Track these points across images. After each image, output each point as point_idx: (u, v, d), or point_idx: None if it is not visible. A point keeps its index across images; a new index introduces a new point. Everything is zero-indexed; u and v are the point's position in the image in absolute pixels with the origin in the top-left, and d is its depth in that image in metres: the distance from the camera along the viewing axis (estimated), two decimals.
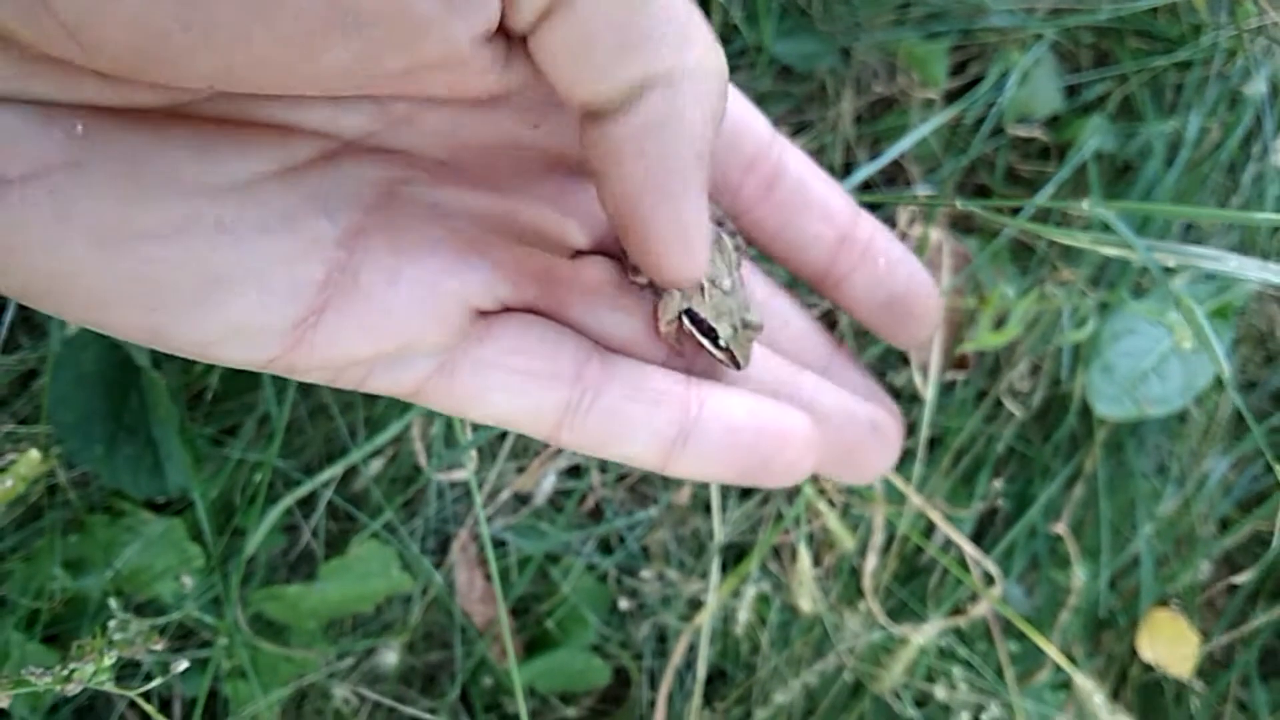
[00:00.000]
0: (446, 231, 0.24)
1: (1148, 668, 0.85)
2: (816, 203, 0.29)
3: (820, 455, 0.28)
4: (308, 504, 0.68)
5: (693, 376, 0.27)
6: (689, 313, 0.27)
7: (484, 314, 0.25)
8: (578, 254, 0.27)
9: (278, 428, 0.59)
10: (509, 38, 0.22)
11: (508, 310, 0.26)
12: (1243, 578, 0.86)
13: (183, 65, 0.18)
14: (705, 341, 0.27)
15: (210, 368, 0.62)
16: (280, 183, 0.22)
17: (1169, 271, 0.80)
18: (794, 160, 0.29)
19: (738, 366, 0.27)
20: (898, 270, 0.30)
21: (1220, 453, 0.86)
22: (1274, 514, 0.86)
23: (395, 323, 0.23)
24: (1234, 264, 0.58)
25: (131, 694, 0.39)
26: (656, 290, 0.27)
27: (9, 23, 0.17)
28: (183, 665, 0.42)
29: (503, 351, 0.25)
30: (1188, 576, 0.85)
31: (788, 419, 0.27)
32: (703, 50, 0.22)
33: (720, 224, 0.30)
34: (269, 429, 0.65)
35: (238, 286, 0.21)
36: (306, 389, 0.66)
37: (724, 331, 0.27)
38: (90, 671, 0.42)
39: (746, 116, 0.29)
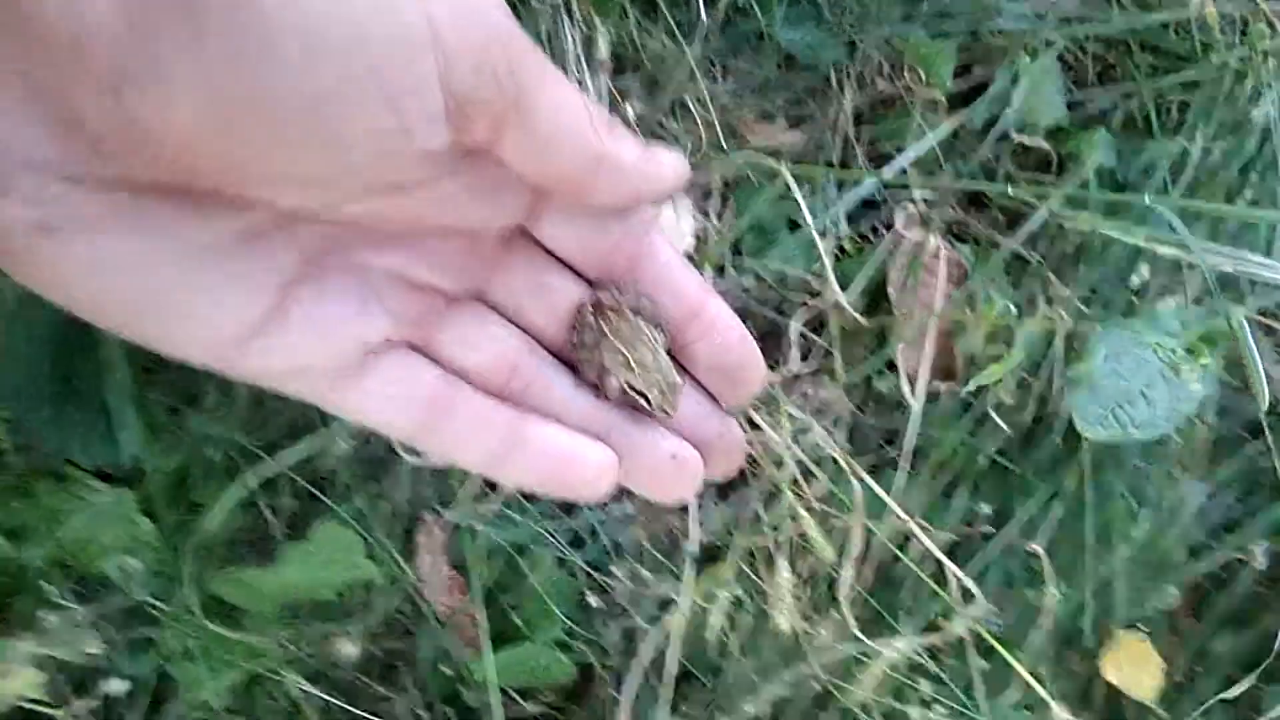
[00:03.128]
0: (358, 283, 0.32)
1: (1113, 689, 0.85)
2: (670, 283, 0.36)
3: (620, 477, 0.36)
4: (271, 480, 0.65)
5: (523, 408, 0.36)
6: (629, 384, 0.36)
7: (371, 350, 0.33)
8: (453, 300, 0.35)
9: (239, 400, 0.56)
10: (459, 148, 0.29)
11: (389, 342, 0.33)
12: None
13: (216, 173, 0.26)
14: (642, 403, 0.36)
15: None
16: (246, 242, 0.29)
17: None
18: (662, 249, 0.37)
19: (669, 415, 0.36)
20: (733, 348, 0.37)
21: (1197, 479, 0.86)
22: (1244, 543, 0.86)
23: (304, 353, 0.31)
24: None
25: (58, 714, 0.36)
26: (603, 368, 0.36)
27: (95, 126, 0.24)
28: (120, 686, 0.39)
29: (378, 381, 0.33)
30: (1157, 601, 0.85)
31: (587, 450, 0.35)
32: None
33: (638, 312, 0.37)
34: (232, 400, 0.61)
35: (203, 313, 0.29)
36: None
37: (654, 397, 0.36)
38: (16, 686, 0.39)
39: (636, 216, 0.36)
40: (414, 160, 0.28)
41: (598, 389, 0.37)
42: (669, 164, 0.33)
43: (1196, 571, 0.88)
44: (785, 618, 0.59)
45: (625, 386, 0.36)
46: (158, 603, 0.57)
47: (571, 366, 0.37)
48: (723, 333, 0.37)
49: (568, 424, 0.36)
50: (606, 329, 0.36)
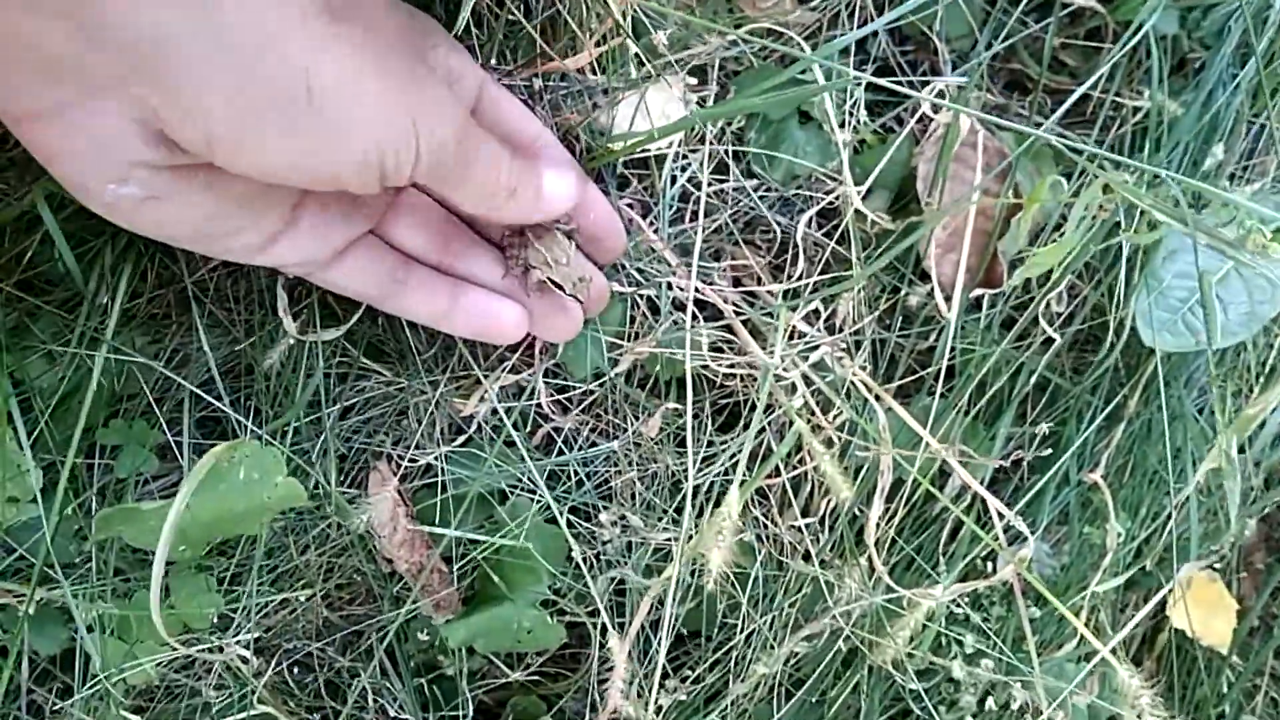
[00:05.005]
0: (345, 201, 0.44)
1: (1181, 636, 0.75)
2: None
3: (528, 326, 0.51)
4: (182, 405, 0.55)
5: (457, 278, 0.50)
6: (549, 279, 0.48)
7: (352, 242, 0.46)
8: (399, 191, 0.48)
9: (116, 300, 0.46)
10: None
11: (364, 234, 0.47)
12: None
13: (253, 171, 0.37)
14: (559, 293, 0.49)
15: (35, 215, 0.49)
16: (271, 185, 0.39)
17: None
18: (553, 149, 0.50)
19: (579, 301, 0.50)
20: (603, 224, 0.52)
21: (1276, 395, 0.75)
22: None
23: (310, 248, 0.44)
24: None
25: None
26: (526, 268, 0.49)
27: (175, 134, 0.35)
28: None
29: (355, 261, 0.46)
30: (1231, 537, 0.74)
31: (506, 309, 0.50)
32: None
33: (558, 225, 0.49)
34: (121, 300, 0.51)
35: (243, 231, 0.41)
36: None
37: (568, 288, 0.48)
38: None
39: (526, 121, 0.50)
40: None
41: (524, 271, 0.49)
42: (556, 198, 0.46)
43: (1274, 502, 0.78)
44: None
45: (547, 280, 0.48)
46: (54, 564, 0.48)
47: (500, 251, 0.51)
48: (596, 211, 0.51)
49: (493, 290, 0.50)
50: (532, 236, 0.48)
